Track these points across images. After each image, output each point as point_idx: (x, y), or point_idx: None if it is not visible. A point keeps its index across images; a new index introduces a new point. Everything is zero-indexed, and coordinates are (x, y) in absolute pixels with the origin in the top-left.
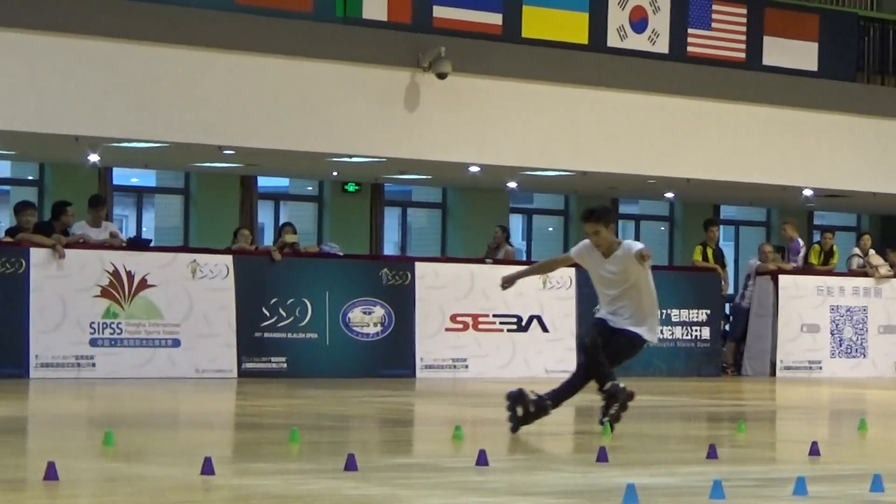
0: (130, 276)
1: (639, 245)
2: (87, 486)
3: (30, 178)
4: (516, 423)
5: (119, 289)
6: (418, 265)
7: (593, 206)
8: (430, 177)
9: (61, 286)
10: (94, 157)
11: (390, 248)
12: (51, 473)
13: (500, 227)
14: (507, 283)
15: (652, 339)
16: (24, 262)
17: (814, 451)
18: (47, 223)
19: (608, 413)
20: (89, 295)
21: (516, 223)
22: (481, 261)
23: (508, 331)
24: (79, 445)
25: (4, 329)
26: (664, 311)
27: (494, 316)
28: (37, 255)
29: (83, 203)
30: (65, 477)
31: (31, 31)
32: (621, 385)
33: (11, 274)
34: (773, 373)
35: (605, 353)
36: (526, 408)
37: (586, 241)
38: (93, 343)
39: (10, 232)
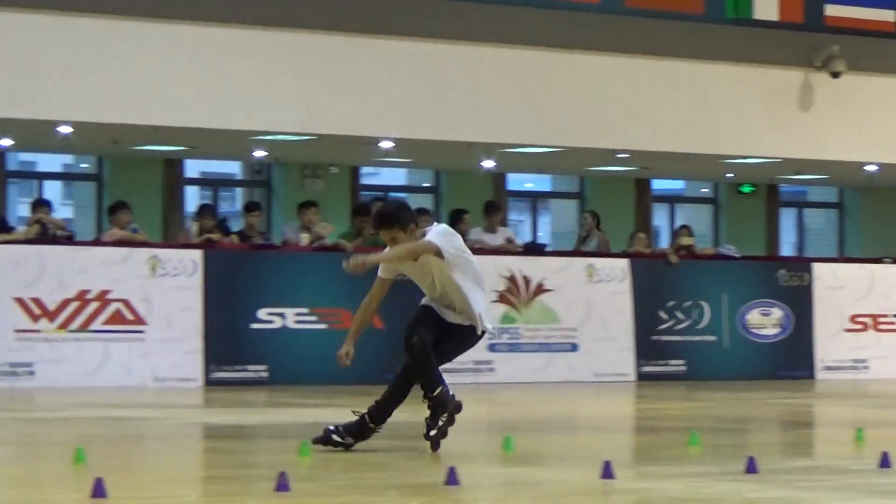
0: (527, 280)
1: (434, 235)
2: (487, 490)
3: (426, 184)
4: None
5: (516, 294)
6: (816, 266)
7: (383, 209)
8: (825, 176)
9: None
10: (488, 163)
11: (787, 248)
12: (452, 478)
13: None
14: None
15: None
16: None
17: None
18: None
19: (436, 426)
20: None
21: None
22: (879, 260)
23: None
24: (479, 450)
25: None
26: None
27: (894, 316)
28: None
29: (478, 209)
30: (466, 482)
31: (430, 41)
32: (451, 392)
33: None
34: None
35: (436, 350)
36: (342, 440)
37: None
38: (491, 348)
39: None
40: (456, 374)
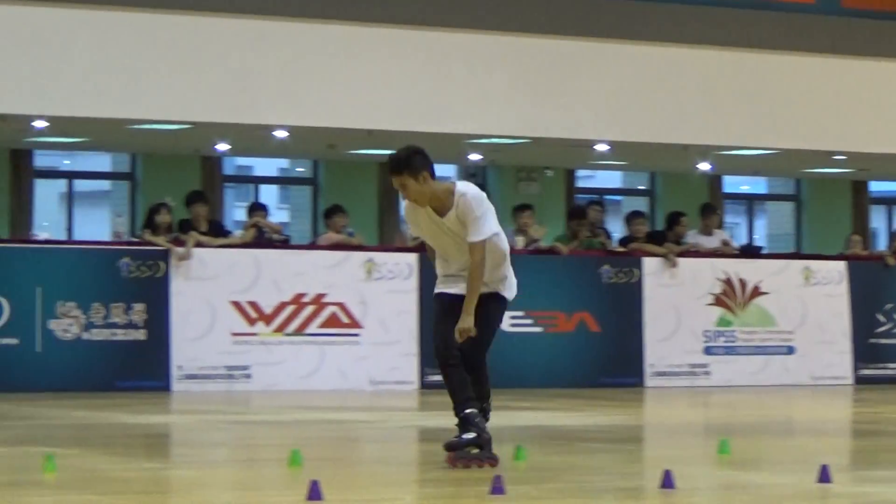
0: (743, 283)
1: (476, 210)
2: (702, 493)
3: (641, 187)
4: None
5: (732, 296)
6: None
7: (395, 154)
8: None
9: (674, 295)
10: (704, 166)
11: None
12: (667, 481)
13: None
14: None
15: (509, 296)
16: (637, 272)
17: None
18: (660, 232)
19: (462, 440)
20: (702, 303)
21: None
22: None
23: None
24: (694, 453)
25: (620, 338)
26: None
27: None
28: (650, 264)
29: (694, 211)
30: (681, 485)
31: (645, 43)
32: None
33: (625, 283)
34: None
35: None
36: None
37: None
38: (707, 351)
39: (623, 242)
40: (671, 377)
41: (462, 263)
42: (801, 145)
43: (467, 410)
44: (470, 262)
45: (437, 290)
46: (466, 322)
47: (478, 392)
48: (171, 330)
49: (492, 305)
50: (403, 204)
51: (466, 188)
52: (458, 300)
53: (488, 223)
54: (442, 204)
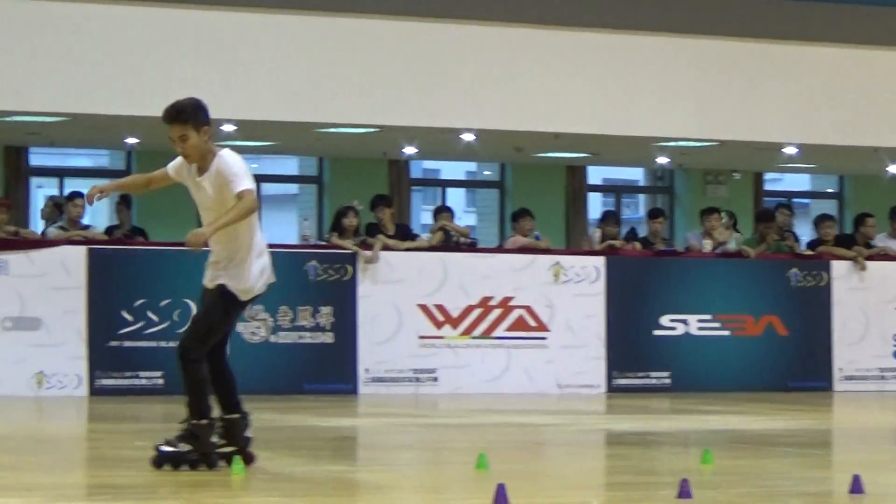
0: None
1: (234, 167)
2: (893, 499)
3: (829, 190)
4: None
5: None
6: None
7: (178, 102)
8: None
9: (863, 298)
10: (894, 168)
11: None
12: (856, 487)
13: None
14: (97, 193)
15: (235, 289)
16: (826, 275)
17: None
18: (849, 236)
19: (175, 446)
20: (891, 307)
21: None
22: None
23: None
24: (885, 458)
25: (809, 342)
26: None
27: None
28: (838, 267)
29: (884, 215)
30: (871, 490)
31: (829, 45)
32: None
33: (814, 287)
34: None
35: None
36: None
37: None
38: None
39: (811, 245)
40: (860, 381)
41: (218, 249)
42: None
43: (194, 421)
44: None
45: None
46: (196, 235)
47: (222, 397)
48: (359, 333)
49: (214, 295)
50: (175, 162)
51: (226, 152)
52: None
53: (250, 179)
54: (205, 162)
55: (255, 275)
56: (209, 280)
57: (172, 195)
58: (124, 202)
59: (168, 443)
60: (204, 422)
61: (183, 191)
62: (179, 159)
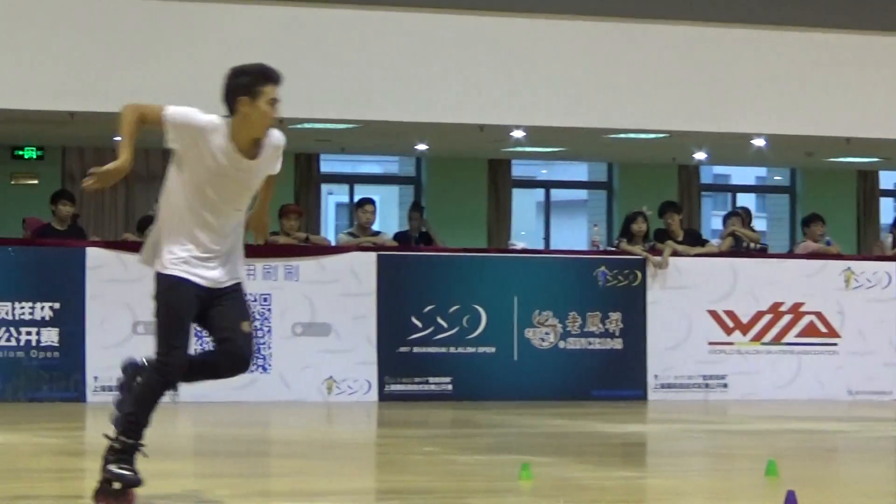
0: None
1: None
2: None
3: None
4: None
5: None
6: None
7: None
8: None
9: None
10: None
11: None
12: None
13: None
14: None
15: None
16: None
17: None
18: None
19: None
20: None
21: None
22: None
23: None
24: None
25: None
26: None
27: None
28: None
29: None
30: None
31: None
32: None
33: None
34: None
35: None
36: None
37: (218, 118)
38: None
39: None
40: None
41: (232, 239)
42: None
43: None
44: (262, 206)
45: (181, 275)
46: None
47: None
48: (648, 339)
49: (242, 295)
50: (210, 122)
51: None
52: (216, 294)
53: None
54: (260, 141)
55: None
56: (225, 275)
57: (464, 205)
58: (416, 209)
59: None
60: None
61: (476, 199)
62: (217, 123)
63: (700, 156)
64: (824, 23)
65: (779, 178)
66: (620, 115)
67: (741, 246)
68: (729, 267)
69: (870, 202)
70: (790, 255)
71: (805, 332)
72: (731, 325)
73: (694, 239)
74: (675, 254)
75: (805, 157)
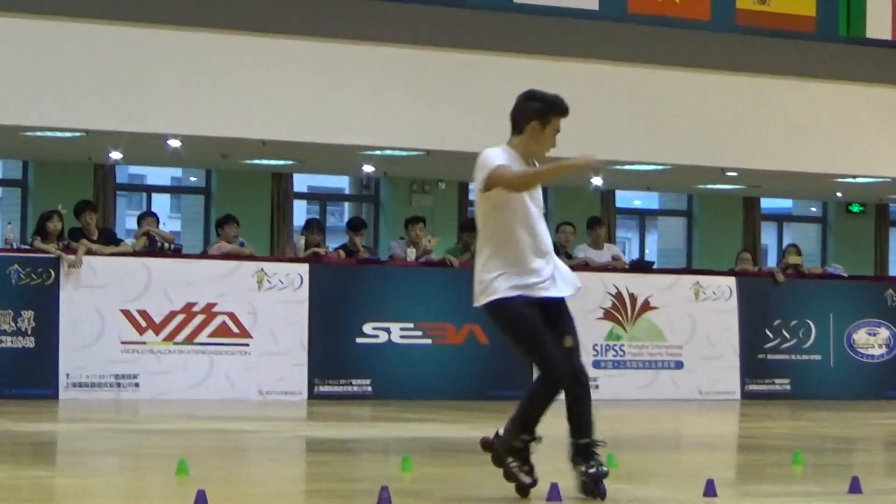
0: (633, 298)
1: None
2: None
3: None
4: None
5: (622, 311)
6: None
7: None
8: None
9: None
10: (597, 181)
11: (895, 269)
12: (554, 494)
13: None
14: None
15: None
16: None
17: None
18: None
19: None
20: (593, 317)
21: None
22: None
23: None
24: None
25: (509, 351)
26: None
27: None
28: None
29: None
30: (565, 495)
31: (548, 58)
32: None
33: None
34: None
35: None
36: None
37: (503, 149)
38: (596, 365)
39: None
40: None
41: (545, 253)
42: (694, 161)
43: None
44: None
45: (519, 293)
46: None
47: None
48: (60, 338)
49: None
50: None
51: None
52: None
53: None
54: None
55: None
56: (560, 289)
57: None
58: None
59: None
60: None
61: None
62: (513, 155)
63: (116, 155)
64: (236, 25)
65: (194, 179)
66: (35, 113)
67: (156, 246)
68: (143, 267)
69: (284, 204)
70: (204, 255)
71: (217, 333)
72: (143, 324)
73: (108, 238)
74: (89, 252)
75: (220, 158)
